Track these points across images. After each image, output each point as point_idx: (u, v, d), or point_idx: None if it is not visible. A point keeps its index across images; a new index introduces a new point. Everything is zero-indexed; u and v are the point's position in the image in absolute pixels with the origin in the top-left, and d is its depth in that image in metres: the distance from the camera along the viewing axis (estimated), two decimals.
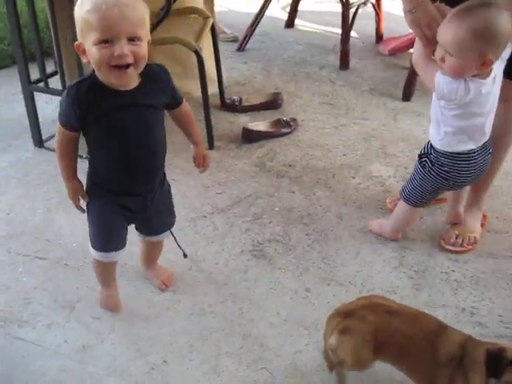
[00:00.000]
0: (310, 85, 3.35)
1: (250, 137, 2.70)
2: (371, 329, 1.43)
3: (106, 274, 1.77)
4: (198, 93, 2.62)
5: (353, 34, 3.86)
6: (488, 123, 1.84)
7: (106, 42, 1.32)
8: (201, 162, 1.75)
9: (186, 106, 1.66)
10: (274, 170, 2.52)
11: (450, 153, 1.86)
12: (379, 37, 4.01)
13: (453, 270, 1.98)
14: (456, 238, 2.08)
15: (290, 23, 4.29)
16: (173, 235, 1.77)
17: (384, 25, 3.98)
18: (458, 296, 1.88)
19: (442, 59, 1.68)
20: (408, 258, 2.03)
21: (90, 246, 1.68)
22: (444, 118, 1.81)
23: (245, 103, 2.99)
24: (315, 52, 3.84)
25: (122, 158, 1.52)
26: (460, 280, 1.94)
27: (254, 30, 3.81)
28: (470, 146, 1.84)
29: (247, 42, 3.82)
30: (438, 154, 1.89)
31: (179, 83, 3.03)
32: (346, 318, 1.46)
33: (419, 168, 1.96)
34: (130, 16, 1.32)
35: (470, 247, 2.08)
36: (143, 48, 1.38)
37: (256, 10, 3.81)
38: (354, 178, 2.48)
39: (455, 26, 1.63)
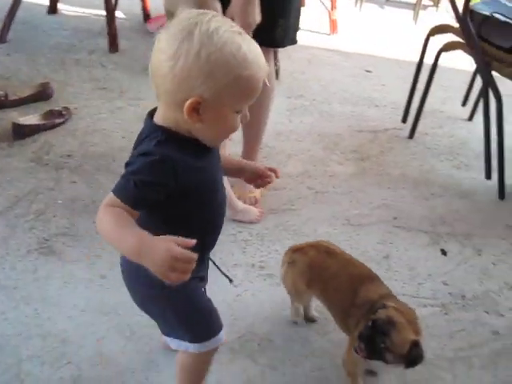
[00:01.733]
0: (81, 71, 3.28)
1: (21, 132, 2.56)
2: (308, 262, 1.60)
3: (208, 366, 1.44)
4: None
5: (119, 14, 3.85)
6: None
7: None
8: (267, 173, 1.37)
9: None
10: (52, 163, 2.43)
11: None
12: (146, 15, 4.03)
13: (239, 231, 2.11)
14: (238, 199, 2.19)
15: (52, 9, 4.12)
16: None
17: (150, 3, 4.00)
18: (247, 254, 2.01)
19: None
20: None
21: (192, 344, 1.32)
22: None
23: (12, 97, 2.82)
24: (83, 37, 3.75)
25: (210, 215, 1.24)
26: (247, 239, 2.08)
27: (12, 19, 3.58)
28: None
29: (7, 31, 3.58)
30: None
31: None
32: (294, 252, 1.67)
33: None
34: None
35: (252, 207, 2.22)
36: None
37: None
38: None
39: None
